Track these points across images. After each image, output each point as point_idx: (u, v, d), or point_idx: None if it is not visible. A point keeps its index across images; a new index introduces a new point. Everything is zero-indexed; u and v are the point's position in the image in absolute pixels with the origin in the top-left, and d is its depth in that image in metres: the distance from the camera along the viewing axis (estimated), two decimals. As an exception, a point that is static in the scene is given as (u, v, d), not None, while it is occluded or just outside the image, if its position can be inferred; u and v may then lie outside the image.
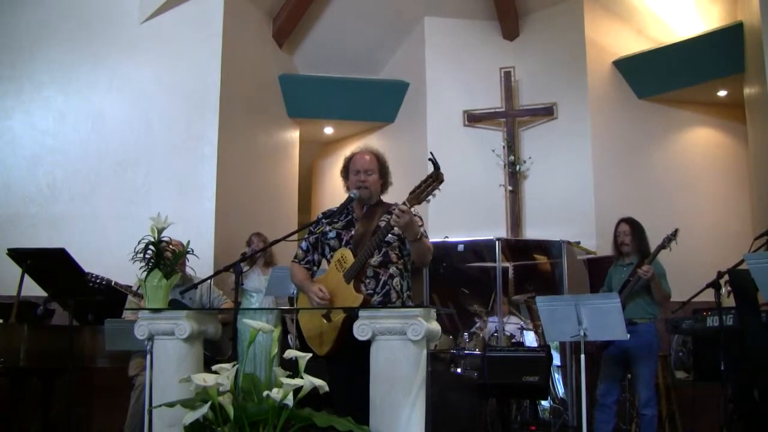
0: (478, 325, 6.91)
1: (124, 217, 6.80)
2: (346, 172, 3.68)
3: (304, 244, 3.71)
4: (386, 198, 3.71)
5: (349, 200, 3.59)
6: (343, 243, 3.56)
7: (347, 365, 3.35)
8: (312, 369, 2.82)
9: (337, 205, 3.66)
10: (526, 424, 6.37)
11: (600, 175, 7.96)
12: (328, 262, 3.60)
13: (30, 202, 7.01)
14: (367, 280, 3.47)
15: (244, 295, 6.44)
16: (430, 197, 3.31)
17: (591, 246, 7.64)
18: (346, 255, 3.47)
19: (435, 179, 3.27)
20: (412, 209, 3.40)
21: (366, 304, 3.31)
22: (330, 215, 3.68)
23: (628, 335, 4.54)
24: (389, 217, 3.37)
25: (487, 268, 7.66)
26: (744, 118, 7.67)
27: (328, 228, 3.64)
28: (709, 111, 8.28)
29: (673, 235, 5.14)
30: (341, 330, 3.35)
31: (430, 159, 3.27)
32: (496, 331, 6.82)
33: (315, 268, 3.70)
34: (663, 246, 5.14)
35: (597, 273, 6.93)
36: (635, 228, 5.39)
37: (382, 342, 3.03)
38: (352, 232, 3.57)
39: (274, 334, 3.00)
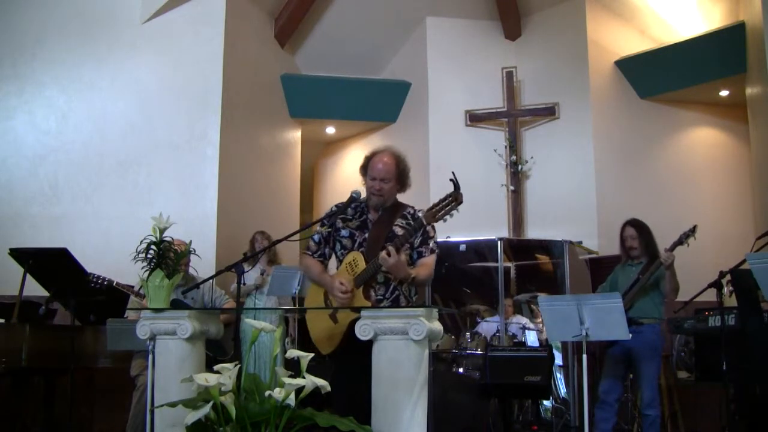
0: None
1: (126, 217, 6.81)
2: (365, 171, 3.64)
3: (316, 237, 3.67)
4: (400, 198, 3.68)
5: (351, 200, 3.58)
6: (356, 245, 3.55)
7: (349, 365, 3.35)
8: (314, 369, 2.82)
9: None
10: (528, 423, 6.38)
11: (602, 175, 7.95)
12: (338, 259, 3.59)
13: (32, 201, 7.02)
14: (377, 286, 3.46)
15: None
16: (448, 217, 3.27)
17: (593, 246, 7.64)
18: (358, 259, 3.45)
19: (455, 199, 3.23)
20: (428, 226, 3.39)
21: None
22: (341, 211, 3.63)
23: (630, 335, 4.52)
24: (404, 222, 3.42)
25: (489, 268, 7.66)
26: (746, 118, 7.65)
27: (341, 224, 3.62)
28: (711, 111, 8.27)
29: (692, 231, 4.95)
30: (346, 332, 3.34)
31: (451, 179, 3.23)
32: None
33: (326, 261, 3.68)
34: (680, 242, 4.95)
35: (599, 273, 6.91)
36: (641, 230, 5.25)
37: (384, 342, 3.02)
38: (366, 235, 3.55)
39: (275, 334, 2.99)
